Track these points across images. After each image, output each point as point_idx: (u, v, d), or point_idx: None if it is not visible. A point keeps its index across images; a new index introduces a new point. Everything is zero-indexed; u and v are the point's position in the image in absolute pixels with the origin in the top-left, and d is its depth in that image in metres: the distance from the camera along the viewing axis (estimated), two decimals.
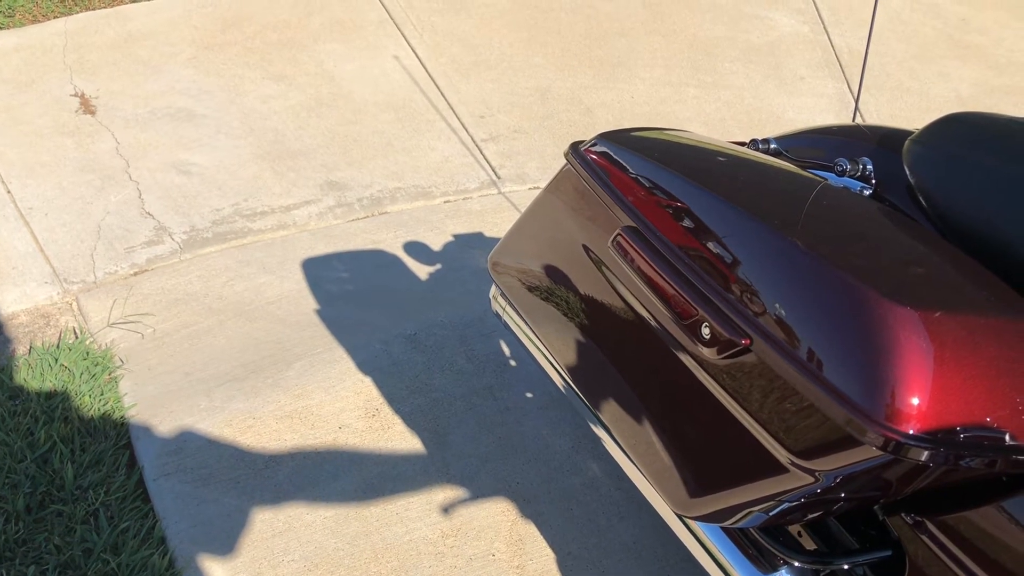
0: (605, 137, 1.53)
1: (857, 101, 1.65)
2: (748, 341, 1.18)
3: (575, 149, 1.56)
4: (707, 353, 1.24)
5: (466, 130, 3.36)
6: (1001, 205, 1.35)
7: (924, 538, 1.25)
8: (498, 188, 3.13)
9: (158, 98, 3.30)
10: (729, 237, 1.27)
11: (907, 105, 3.71)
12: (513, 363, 2.38)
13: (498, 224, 2.94)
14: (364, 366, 2.32)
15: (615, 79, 3.68)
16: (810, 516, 1.34)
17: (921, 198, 1.44)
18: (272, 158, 3.13)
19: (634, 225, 1.38)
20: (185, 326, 2.49)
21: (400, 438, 2.14)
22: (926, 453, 1.05)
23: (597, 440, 1.90)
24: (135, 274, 2.67)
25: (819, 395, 1.12)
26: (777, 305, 1.18)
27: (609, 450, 1.53)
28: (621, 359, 1.44)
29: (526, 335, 1.72)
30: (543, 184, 3.13)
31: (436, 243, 2.84)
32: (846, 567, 1.35)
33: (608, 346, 1.46)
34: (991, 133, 1.43)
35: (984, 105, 3.74)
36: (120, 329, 2.46)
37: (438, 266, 2.75)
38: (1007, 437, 1.08)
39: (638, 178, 1.43)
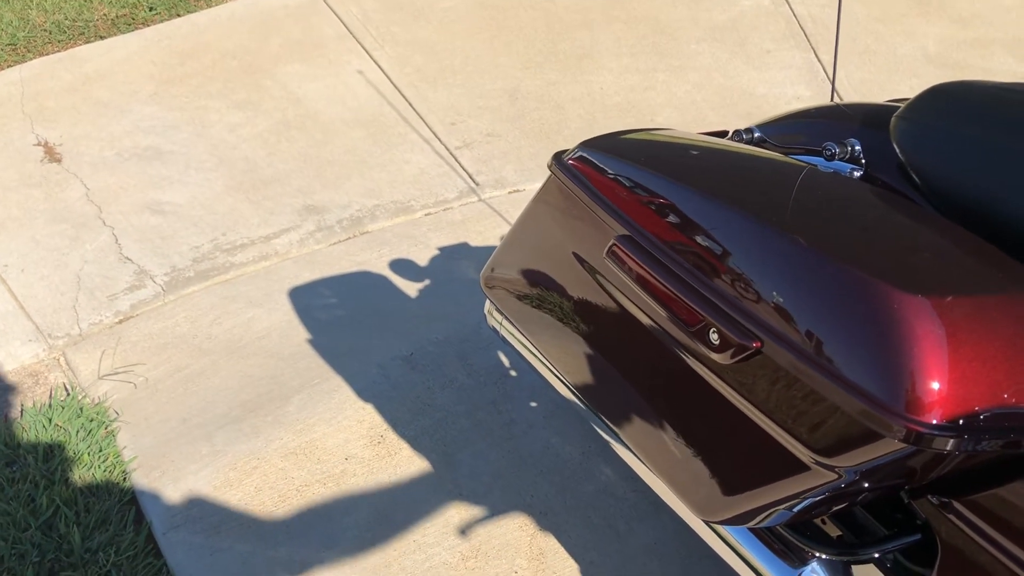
0: (587, 145, 1.51)
1: (833, 82, 1.63)
2: (759, 344, 1.16)
3: (558, 160, 1.53)
4: (718, 358, 1.21)
5: (439, 139, 3.33)
6: (995, 177, 1.33)
7: (953, 518, 1.24)
8: (478, 195, 3.10)
9: (123, 139, 3.25)
10: (726, 237, 1.25)
11: (876, 68, 3.71)
12: (514, 373, 2.35)
13: (482, 232, 2.91)
14: (364, 393, 2.29)
15: (582, 72, 3.66)
16: (835, 508, 1.32)
17: (913, 175, 1.42)
18: (246, 188, 3.08)
19: (627, 233, 1.35)
20: (177, 370, 2.45)
21: (408, 463, 2.12)
22: (951, 441, 1.03)
23: (606, 444, 1.88)
24: (120, 322, 2.62)
25: (835, 391, 1.10)
26: (785, 304, 1.16)
27: (623, 458, 1.51)
28: (629, 368, 1.41)
29: (527, 349, 1.70)
30: (522, 187, 3.11)
31: (422, 258, 2.81)
32: (876, 556, 1.34)
33: (614, 356, 1.44)
34: (979, 103, 1.41)
35: (953, 60, 3.74)
36: (111, 381, 2.41)
37: (427, 282, 2.72)
38: None
39: (626, 184, 1.41)
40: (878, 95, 3.52)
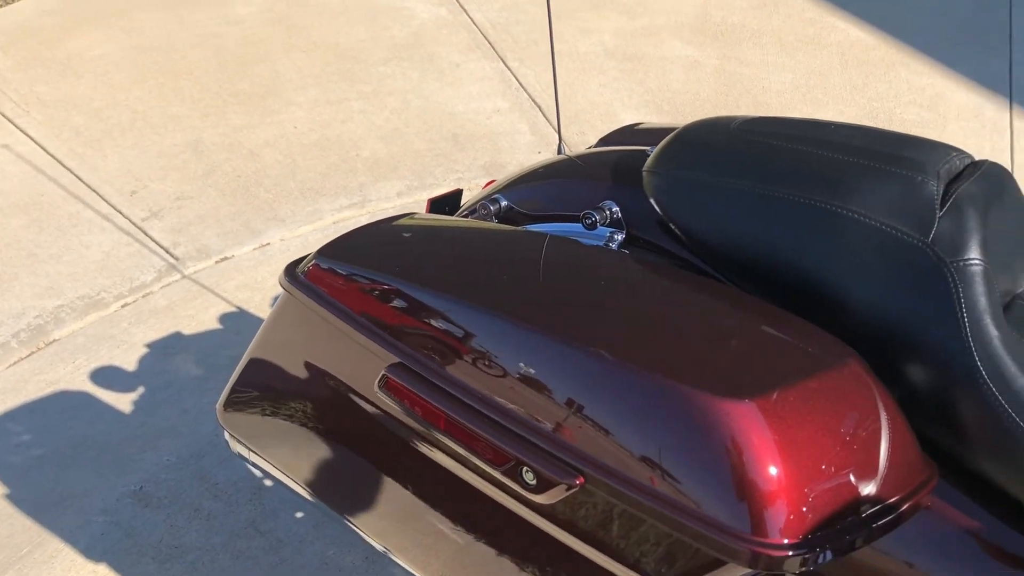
0: (324, 254, 1.28)
1: (560, 132, 1.52)
2: (582, 480, 1.02)
3: (291, 275, 1.29)
4: (537, 499, 1.05)
5: (120, 213, 2.91)
6: (749, 224, 1.27)
7: None
8: (181, 272, 2.73)
9: None
10: (519, 355, 1.08)
11: (564, 68, 3.72)
12: (268, 483, 2.07)
13: (195, 316, 2.56)
14: (91, 551, 1.91)
15: (269, 111, 3.36)
16: None
17: (676, 231, 1.34)
18: None
19: (401, 361, 1.16)
20: None
21: None
22: (807, 558, 0.95)
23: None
24: None
25: (673, 520, 0.98)
26: (602, 428, 1.02)
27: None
28: (430, 511, 1.23)
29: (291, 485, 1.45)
30: (230, 253, 2.79)
31: (129, 361, 2.42)
32: None
33: (411, 499, 1.25)
34: (718, 147, 1.35)
35: (631, 52, 3.85)
36: None
37: (141, 390, 2.34)
38: (872, 502, 1.00)
39: (382, 301, 1.20)
40: (571, 96, 3.54)
